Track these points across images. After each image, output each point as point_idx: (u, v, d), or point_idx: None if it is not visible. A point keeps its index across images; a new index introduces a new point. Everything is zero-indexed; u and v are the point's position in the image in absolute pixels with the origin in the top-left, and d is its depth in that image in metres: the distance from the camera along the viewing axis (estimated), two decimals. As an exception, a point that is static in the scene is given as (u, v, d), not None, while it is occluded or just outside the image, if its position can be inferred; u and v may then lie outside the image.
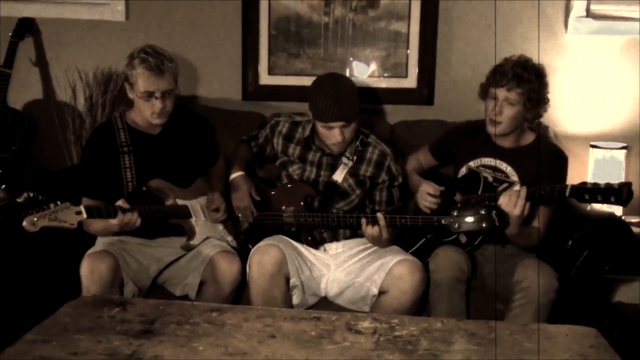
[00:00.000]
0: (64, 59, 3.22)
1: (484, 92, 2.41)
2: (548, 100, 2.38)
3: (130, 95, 2.37)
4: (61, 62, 3.22)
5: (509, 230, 2.22)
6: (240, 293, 2.38)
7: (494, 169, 2.42)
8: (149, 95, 2.31)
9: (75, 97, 3.18)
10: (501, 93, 2.30)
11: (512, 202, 2.16)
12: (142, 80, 2.29)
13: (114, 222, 2.23)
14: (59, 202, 2.11)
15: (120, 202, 2.25)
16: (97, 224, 2.29)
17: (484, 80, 2.43)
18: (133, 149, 2.40)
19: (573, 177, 2.42)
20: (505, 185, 2.36)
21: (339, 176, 2.44)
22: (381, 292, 2.25)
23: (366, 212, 2.47)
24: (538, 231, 2.36)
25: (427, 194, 2.43)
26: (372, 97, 3.13)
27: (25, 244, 2.29)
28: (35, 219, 2.04)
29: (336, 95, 2.26)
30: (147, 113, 2.36)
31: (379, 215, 2.23)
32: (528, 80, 2.28)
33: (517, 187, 2.34)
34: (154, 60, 2.28)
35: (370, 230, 2.25)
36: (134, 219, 2.24)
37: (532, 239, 2.34)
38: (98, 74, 3.13)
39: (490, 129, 2.37)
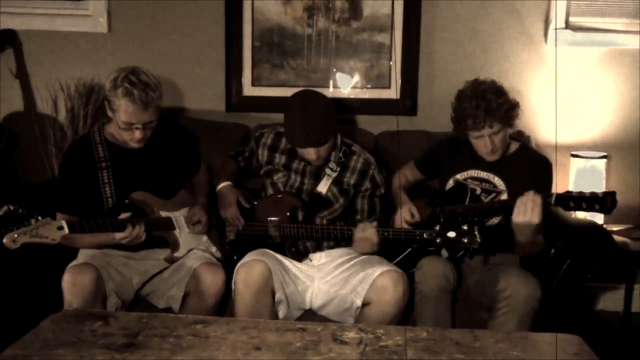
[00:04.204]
0: (45, 71, 3.19)
1: (461, 128, 2.38)
2: (518, 104, 2.38)
3: (110, 114, 2.32)
4: (42, 74, 3.19)
5: (522, 238, 2.24)
6: (224, 305, 2.36)
7: (481, 180, 2.44)
8: (130, 125, 2.27)
9: (57, 109, 3.15)
10: (485, 131, 2.31)
11: (529, 209, 2.16)
12: (124, 112, 2.23)
13: (121, 235, 2.22)
14: (39, 218, 2.09)
15: (124, 216, 2.24)
16: (88, 238, 2.27)
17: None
18: (112, 164, 2.36)
19: (555, 186, 2.45)
20: (493, 195, 2.38)
21: (323, 187, 2.44)
22: (365, 304, 2.25)
23: (348, 222, 2.47)
24: (542, 240, 2.35)
25: (405, 223, 2.43)
26: (355, 108, 3.14)
27: (5, 256, 2.25)
28: (16, 235, 2.02)
29: (304, 123, 2.25)
30: (126, 138, 2.33)
31: (372, 229, 2.27)
32: (498, 105, 2.29)
33: (504, 197, 2.38)
34: (139, 93, 2.20)
35: (361, 235, 2.27)
36: (142, 232, 2.23)
37: (538, 247, 2.35)
38: (80, 85, 3.10)
39: (488, 158, 2.39)
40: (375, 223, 2.31)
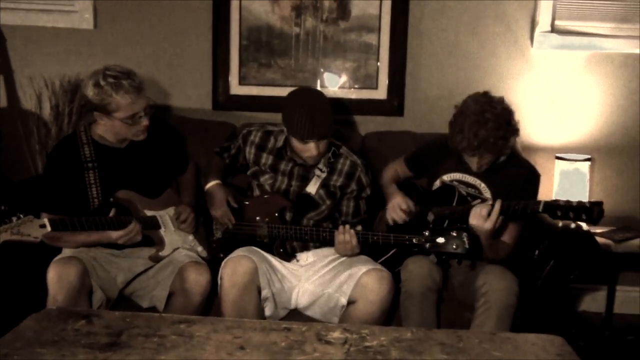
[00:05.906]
0: (29, 67, 3.16)
1: (455, 141, 2.32)
2: (517, 131, 2.33)
3: (102, 120, 2.29)
4: (27, 70, 3.16)
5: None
6: (209, 304, 2.35)
7: (467, 184, 2.44)
8: (134, 116, 2.26)
9: (41, 105, 3.12)
10: (477, 157, 2.30)
11: (483, 215, 2.20)
12: (126, 105, 2.22)
13: (119, 233, 2.22)
14: (21, 215, 2.06)
15: (112, 214, 2.23)
16: (79, 237, 2.25)
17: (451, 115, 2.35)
18: (98, 165, 2.35)
19: (539, 188, 2.46)
20: (478, 201, 2.38)
21: (312, 188, 2.44)
22: (350, 302, 2.25)
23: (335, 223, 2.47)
24: (507, 246, 2.38)
25: (399, 209, 2.43)
26: (343, 108, 3.15)
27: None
28: None
29: (311, 114, 2.25)
30: (130, 134, 2.32)
31: (352, 231, 2.26)
32: (494, 143, 2.23)
33: (490, 202, 2.37)
34: (127, 81, 2.21)
35: (341, 237, 2.26)
36: (139, 231, 2.26)
37: (501, 252, 2.37)
38: (65, 82, 3.08)
39: (476, 170, 2.39)
40: (359, 227, 2.30)
